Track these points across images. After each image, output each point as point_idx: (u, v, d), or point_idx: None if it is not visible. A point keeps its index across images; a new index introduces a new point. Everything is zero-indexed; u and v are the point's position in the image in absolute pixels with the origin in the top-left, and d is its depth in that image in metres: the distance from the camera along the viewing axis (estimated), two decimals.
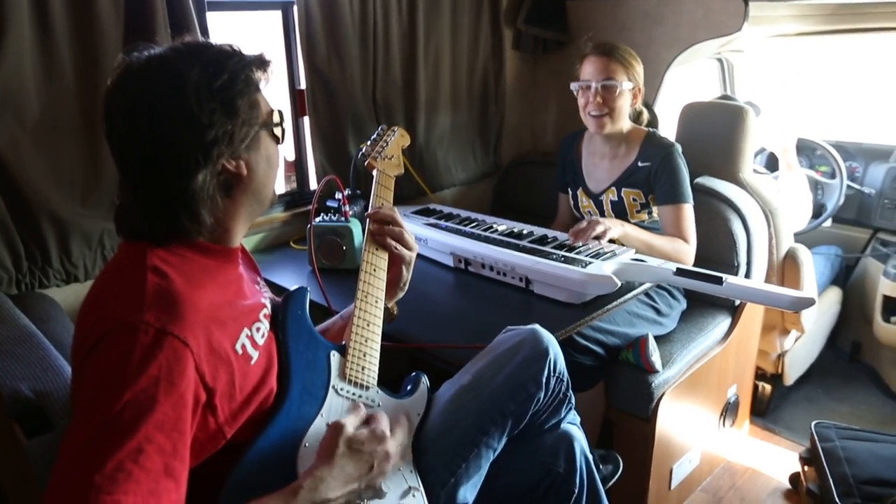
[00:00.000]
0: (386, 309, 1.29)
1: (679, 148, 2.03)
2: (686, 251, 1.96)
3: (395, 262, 1.31)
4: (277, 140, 1.08)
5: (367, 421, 1.07)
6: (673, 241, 1.96)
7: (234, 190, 1.01)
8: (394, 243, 1.30)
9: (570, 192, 2.22)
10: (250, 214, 1.07)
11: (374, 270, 1.26)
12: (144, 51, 0.98)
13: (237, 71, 0.98)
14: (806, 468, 2.03)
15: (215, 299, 0.97)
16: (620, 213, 2.09)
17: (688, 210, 1.99)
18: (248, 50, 1.03)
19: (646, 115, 2.16)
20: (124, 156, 0.96)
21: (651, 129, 2.10)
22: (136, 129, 0.93)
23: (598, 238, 1.80)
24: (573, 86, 2.04)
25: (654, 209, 2.05)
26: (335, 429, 1.01)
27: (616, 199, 2.08)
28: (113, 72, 0.97)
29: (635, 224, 2.02)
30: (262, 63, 1.03)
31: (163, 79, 0.94)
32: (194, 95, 0.93)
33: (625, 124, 2.05)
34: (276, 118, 1.06)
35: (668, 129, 2.44)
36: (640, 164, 2.03)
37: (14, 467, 0.96)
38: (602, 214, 2.12)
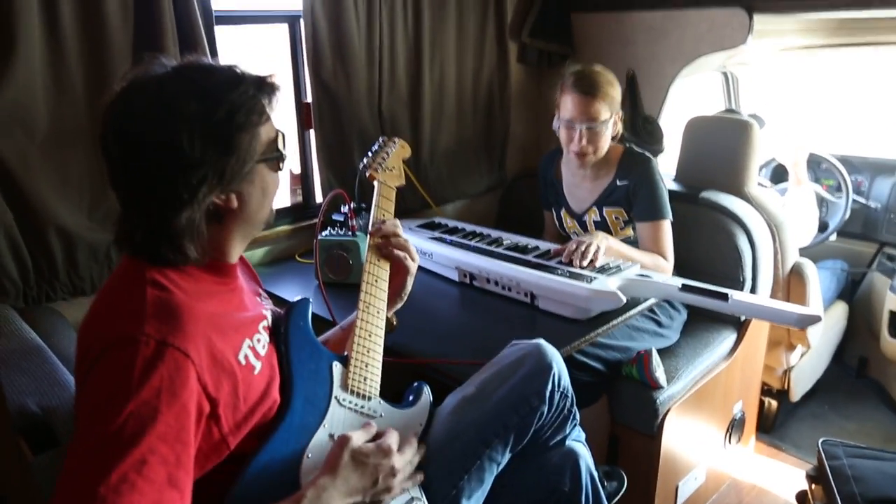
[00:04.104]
0: (386, 319, 1.28)
1: (656, 162, 2.02)
2: (665, 267, 1.96)
3: (399, 273, 1.30)
4: (277, 169, 1.05)
5: (376, 437, 1.07)
6: (653, 256, 1.96)
7: (224, 218, 1.00)
8: (401, 254, 1.29)
9: (555, 213, 2.22)
10: (245, 236, 1.06)
11: (376, 281, 1.25)
12: (151, 66, 0.95)
13: (239, 103, 0.94)
14: (813, 486, 2.01)
15: (216, 310, 0.97)
16: (604, 231, 2.07)
17: (666, 226, 1.98)
18: (255, 72, 0.98)
19: (621, 130, 2.06)
20: (114, 177, 0.94)
21: (628, 145, 2.08)
22: (124, 156, 0.91)
23: (592, 261, 1.76)
24: (555, 124, 2.00)
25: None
26: (341, 441, 1.02)
27: (598, 218, 2.09)
28: (116, 85, 0.94)
29: (622, 241, 2.01)
30: (268, 89, 0.99)
31: (158, 107, 0.90)
32: (187, 130, 0.90)
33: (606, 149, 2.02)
34: (279, 144, 1.02)
35: (672, 142, 2.45)
36: (618, 182, 2.02)
37: (20, 483, 0.96)
38: (586, 233, 2.11)
